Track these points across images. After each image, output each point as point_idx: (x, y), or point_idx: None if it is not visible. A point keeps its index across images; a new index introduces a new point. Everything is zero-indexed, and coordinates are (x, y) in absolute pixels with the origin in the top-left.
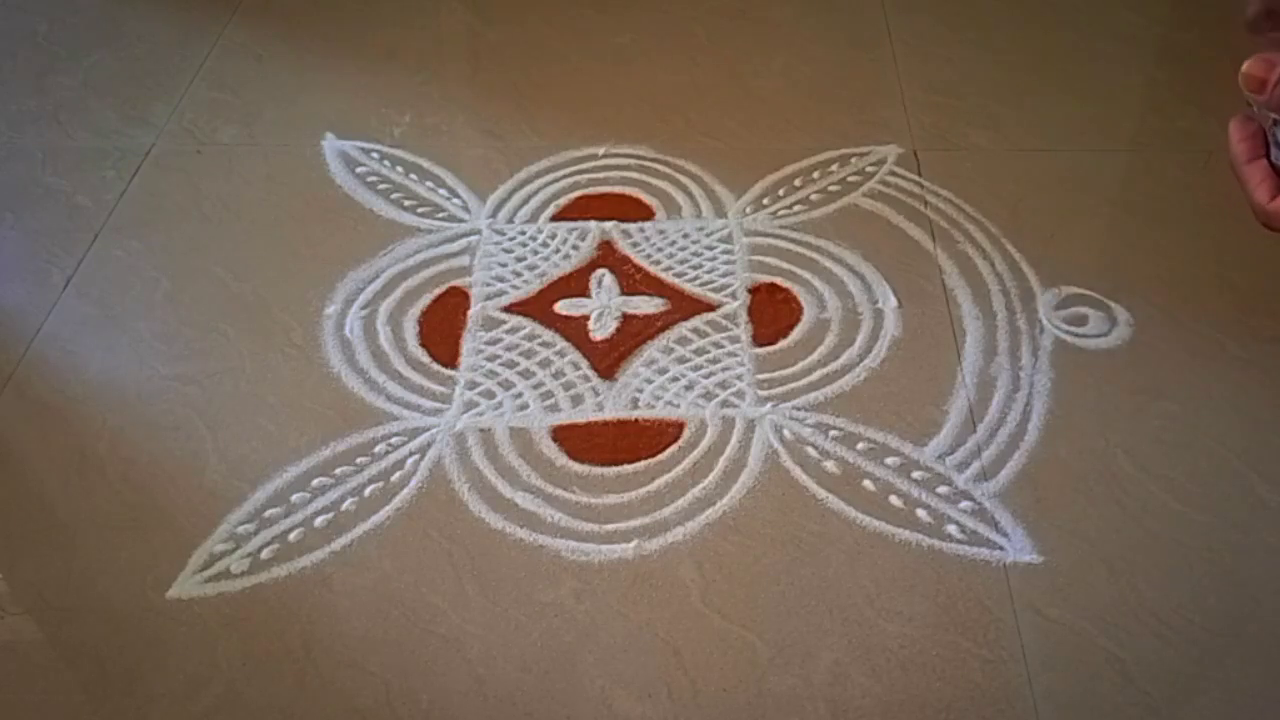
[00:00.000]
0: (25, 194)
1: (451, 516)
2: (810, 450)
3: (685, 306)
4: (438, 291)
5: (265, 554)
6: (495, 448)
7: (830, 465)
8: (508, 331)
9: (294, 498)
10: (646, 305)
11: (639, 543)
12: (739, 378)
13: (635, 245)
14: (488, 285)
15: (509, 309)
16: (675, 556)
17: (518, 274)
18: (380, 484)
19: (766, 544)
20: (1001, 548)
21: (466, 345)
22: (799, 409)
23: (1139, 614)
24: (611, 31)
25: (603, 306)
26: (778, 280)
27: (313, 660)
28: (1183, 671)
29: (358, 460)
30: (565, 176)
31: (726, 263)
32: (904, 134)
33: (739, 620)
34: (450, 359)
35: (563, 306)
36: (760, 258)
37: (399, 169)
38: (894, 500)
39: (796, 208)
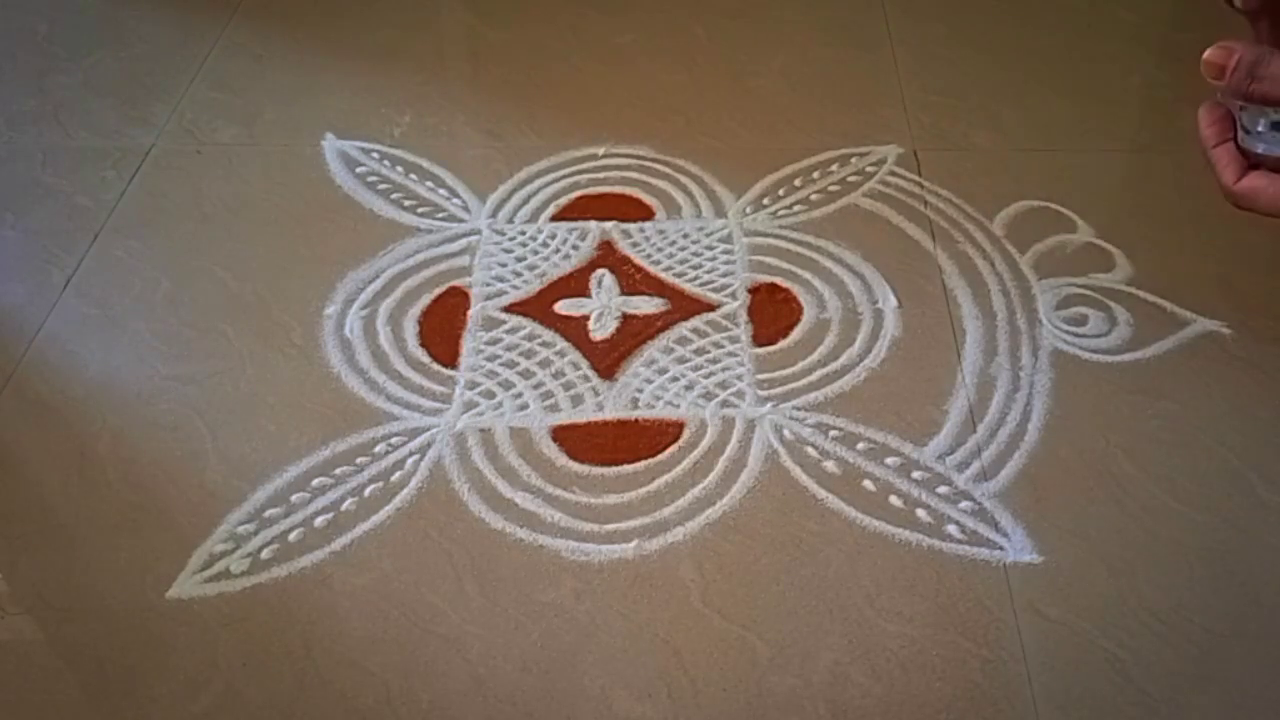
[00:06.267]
0: (25, 194)
1: (451, 516)
2: (810, 450)
3: (685, 306)
4: (438, 291)
5: (265, 554)
6: (495, 448)
7: (830, 465)
8: (508, 331)
9: (294, 498)
10: (646, 305)
11: (639, 543)
12: (739, 378)
13: (635, 245)
14: (488, 285)
15: (509, 309)
16: (675, 556)
17: (518, 274)
18: (380, 484)
19: (766, 544)
20: (1001, 548)
21: (466, 345)
22: (799, 409)
23: (1139, 614)
24: (611, 31)
25: (603, 306)
26: (778, 280)
27: (313, 660)
28: (1183, 671)
29: (358, 460)
30: (565, 176)
31: (726, 263)
32: (904, 134)
33: (739, 620)
34: (450, 359)
35: (563, 306)
36: (760, 258)
37: (399, 169)
38: (894, 500)
39: (796, 208)
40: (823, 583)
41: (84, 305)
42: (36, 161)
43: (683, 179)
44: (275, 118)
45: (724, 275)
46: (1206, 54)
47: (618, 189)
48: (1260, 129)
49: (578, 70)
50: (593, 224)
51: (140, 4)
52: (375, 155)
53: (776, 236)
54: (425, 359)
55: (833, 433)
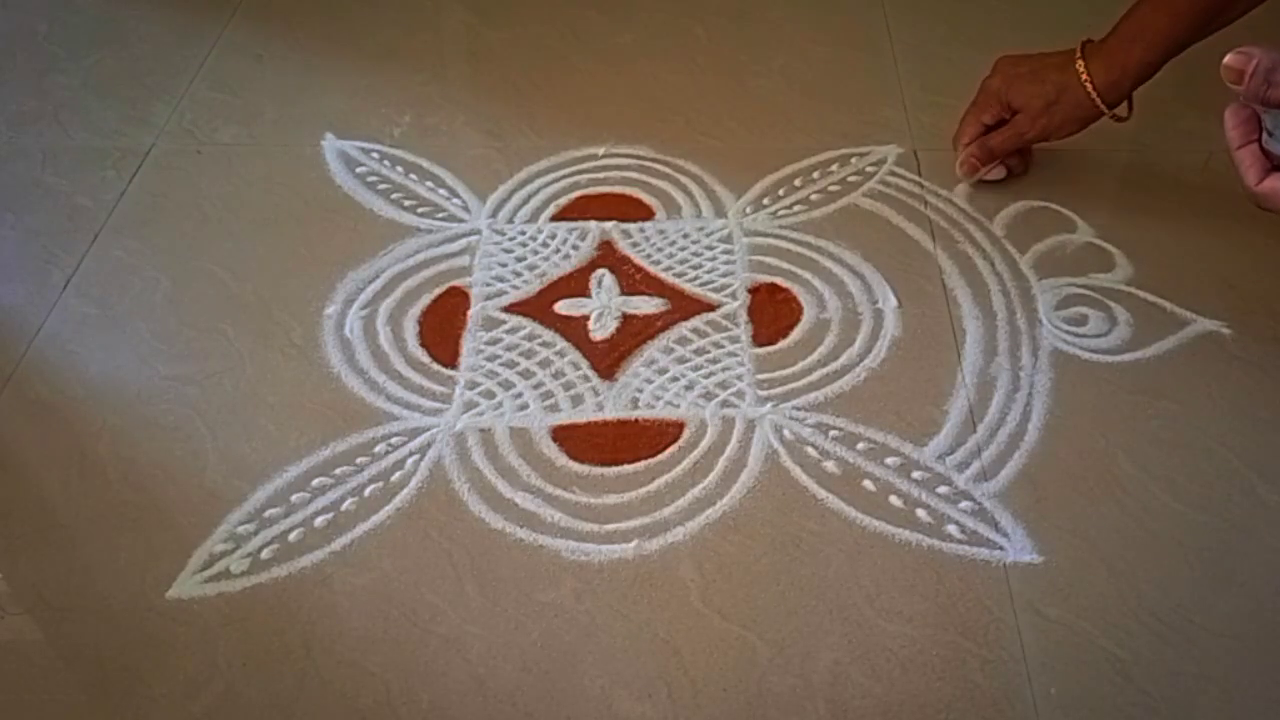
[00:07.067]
0: (25, 194)
1: (451, 516)
2: (810, 450)
3: (685, 306)
4: (438, 291)
5: (265, 554)
6: (495, 448)
7: (830, 465)
8: (508, 331)
9: (294, 498)
10: (646, 305)
11: (639, 543)
12: (739, 378)
13: (635, 245)
14: (488, 285)
15: (509, 309)
16: (675, 556)
17: (518, 274)
18: (380, 484)
19: (766, 544)
20: (1001, 548)
21: (466, 345)
22: (799, 409)
23: (1139, 614)
24: (611, 31)
25: (603, 306)
26: (778, 280)
27: (313, 660)
28: (1183, 671)
29: (358, 460)
30: (565, 176)
31: (726, 263)
32: (904, 134)
33: (739, 620)
34: (450, 359)
35: (563, 306)
36: (760, 258)
37: (399, 169)
38: (894, 500)
39: (796, 208)
40: (823, 583)
41: (84, 305)
42: (36, 161)
43: (683, 179)
44: (275, 118)
45: (724, 275)
46: (1226, 59)
47: (618, 189)
48: None
49: (578, 70)
50: (593, 224)
51: (140, 4)
52: (375, 155)
53: (776, 236)
54: (425, 359)
55: (833, 433)
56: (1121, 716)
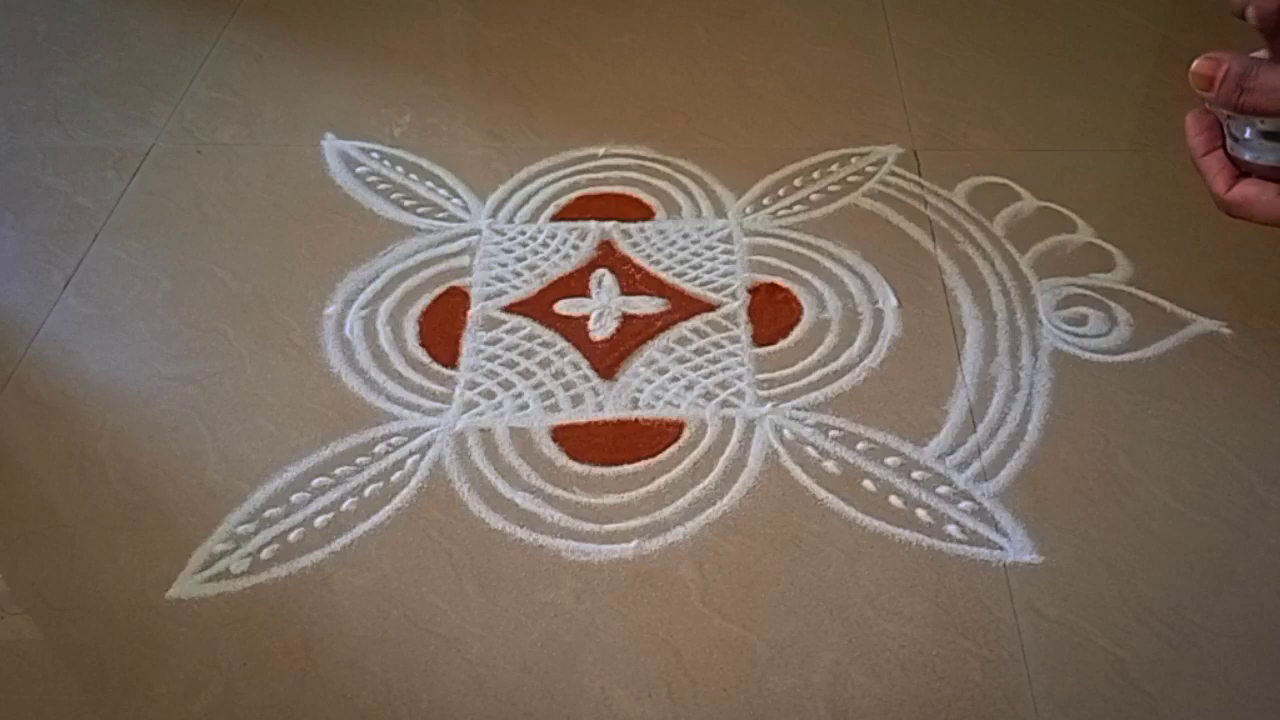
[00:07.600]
0: (25, 194)
1: (451, 516)
2: (810, 450)
3: (685, 306)
4: (438, 291)
5: (265, 554)
6: (495, 448)
7: (830, 465)
8: (508, 331)
9: (294, 498)
10: (646, 305)
11: (639, 543)
12: (739, 378)
13: (635, 245)
14: (488, 285)
15: (509, 309)
16: (675, 556)
17: (518, 274)
18: (380, 484)
19: (766, 544)
20: (1001, 548)
21: (466, 345)
22: (799, 409)
23: (1139, 614)
24: (611, 31)
25: (603, 306)
26: (778, 280)
27: (313, 660)
28: (1183, 671)
29: (358, 460)
30: (565, 176)
31: (726, 263)
32: (904, 134)
33: (739, 620)
34: (450, 359)
35: (563, 306)
36: (760, 258)
37: (399, 169)
38: (894, 500)
39: (796, 208)
40: (823, 583)
41: (84, 305)
42: (36, 161)
43: (683, 179)
44: (275, 118)
45: (724, 275)
46: (1194, 66)
47: (618, 189)
48: (1248, 136)
49: (578, 70)
50: (593, 224)
51: (140, 4)
52: (375, 155)
53: (776, 236)
54: (425, 359)
55: (833, 433)
56: (1121, 716)
